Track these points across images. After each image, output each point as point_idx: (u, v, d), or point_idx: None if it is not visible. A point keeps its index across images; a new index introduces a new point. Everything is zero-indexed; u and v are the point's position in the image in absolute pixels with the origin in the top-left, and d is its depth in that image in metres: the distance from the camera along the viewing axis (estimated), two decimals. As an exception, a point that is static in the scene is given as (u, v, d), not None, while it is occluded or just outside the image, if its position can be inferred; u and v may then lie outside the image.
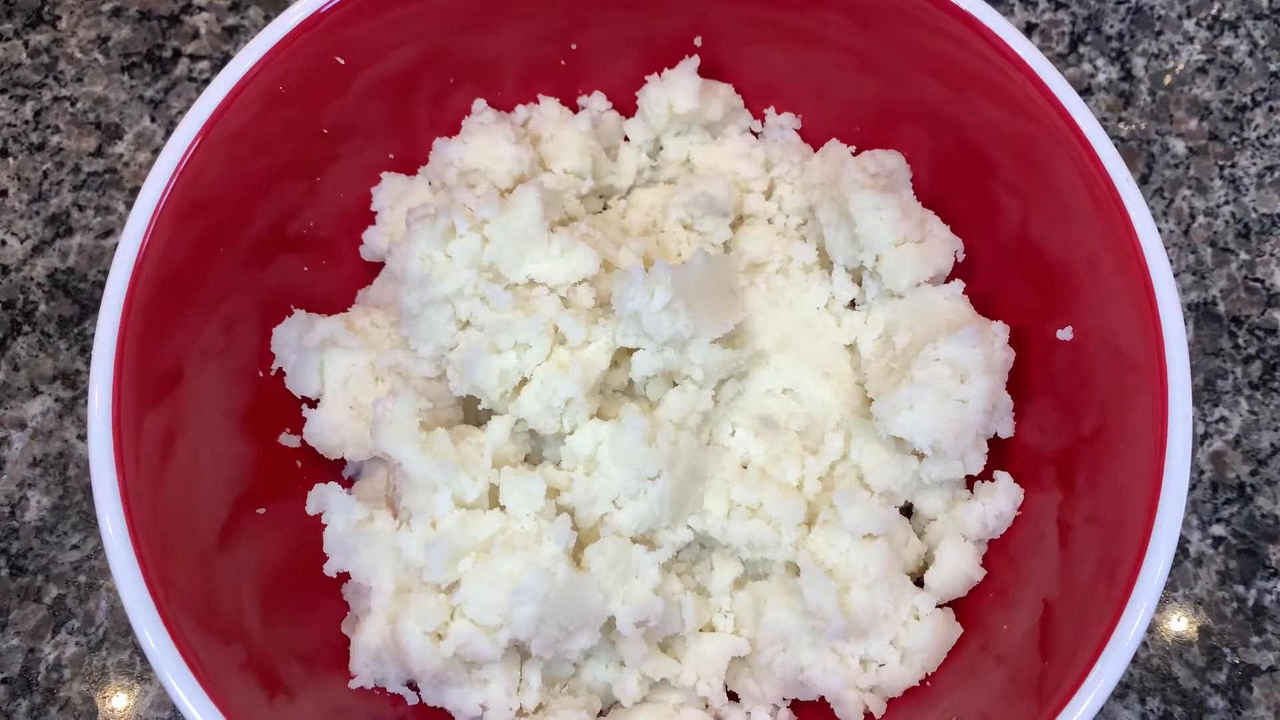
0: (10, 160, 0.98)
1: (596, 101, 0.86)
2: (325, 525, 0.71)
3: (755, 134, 0.87)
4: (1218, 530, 0.88)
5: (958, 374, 0.71)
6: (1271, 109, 0.98)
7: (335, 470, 0.80)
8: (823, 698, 0.72)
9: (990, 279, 0.79)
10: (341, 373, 0.77)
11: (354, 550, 0.70)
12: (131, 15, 1.01)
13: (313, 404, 0.78)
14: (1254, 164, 0.97)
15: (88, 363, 0.81)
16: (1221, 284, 0.93)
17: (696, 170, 0.85)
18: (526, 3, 0.79)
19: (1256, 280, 0.93)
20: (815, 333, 0.79)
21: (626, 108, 0.86)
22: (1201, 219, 0.95)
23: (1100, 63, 0.99)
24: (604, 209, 0.87)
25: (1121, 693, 0.84)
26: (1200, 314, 0.93)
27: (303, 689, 0.69)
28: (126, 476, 0.65)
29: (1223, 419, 0.90)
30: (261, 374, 0.78)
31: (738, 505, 0.72)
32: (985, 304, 0.78)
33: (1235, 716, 0.84)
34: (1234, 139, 0.97)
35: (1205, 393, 0.91)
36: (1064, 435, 0.73)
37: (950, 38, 0.73)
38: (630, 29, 0.82)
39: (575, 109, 0.86)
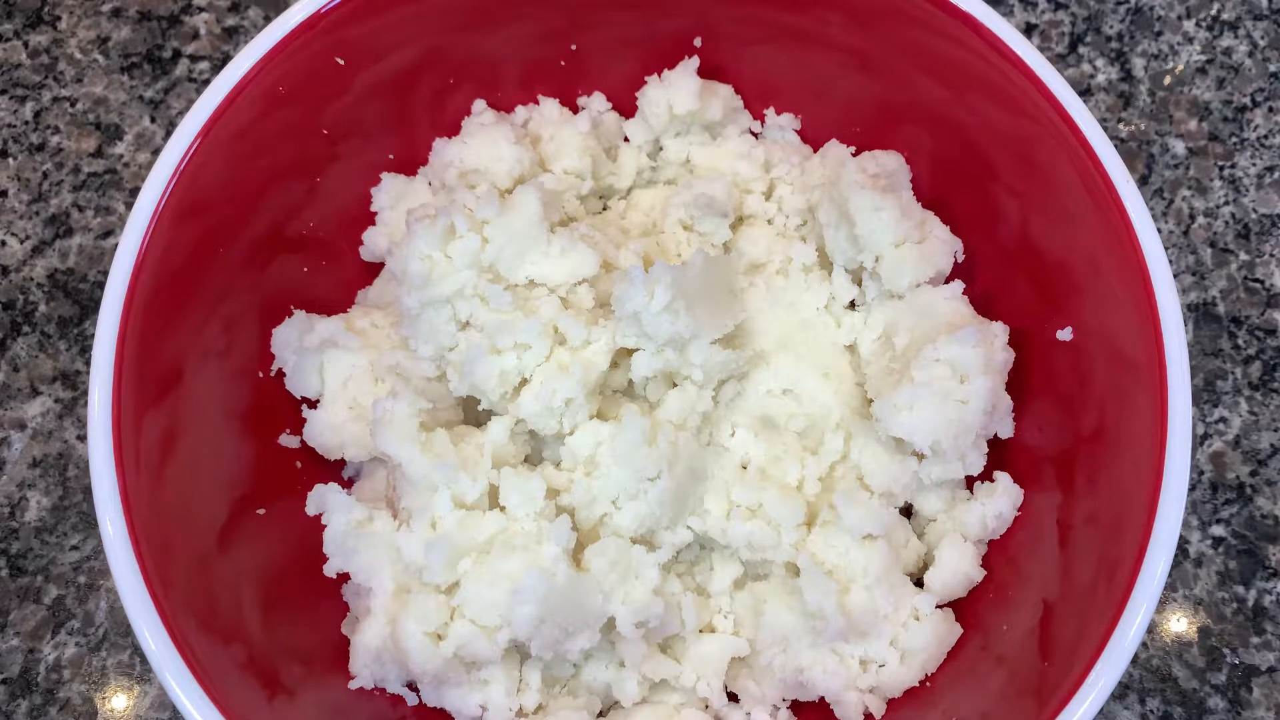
0: (10, 160, 0.98)
1: (596, 102, 0.86)
2: (325, 526, 0.71)
3: (755, 134, 0.87)
4: (1218, 531, 0.88)
5: (958, 374, 0.71)
6: (1271, 109, 0.98)
7: (335, 470, 0.80)
8: (823, 698, 0.72)
9: (990, 279, 0.79)
10: (341, 373, 0.77)
11: (354, 551, 0.70)
12: (131, 15, 1.02)
13: (313, 404, 0.78)
14: (1254, 164, 0.97)
15: (88, 363, 0.81)
16: (1221, 284, 0.93)
17: (696, 171, 0.85)
18: (526, 3, 0.79)
19: (1256, 281, 0.93)
20: (815, 333, 0.79)
21: (626, 108, 0.86)
22: (1201, 219, 0.95)
23: (1100, 63, 0.99)
24: (604, 209, 0.87)
25: (1121, 693, 0.84)
26: (1200, 314, 0.93)
27: (303, 689, 0.69)
28: (126, 477, 0.65)
29: (1223, 419, 0.90)
30: (261, 374, 0.78)
31: (738, 506, 0.72)
32: (985, 304, 0.78)
33: (1235, 717, 0.84)
34: (1234, 139, 0.97)
35: (1205, 393, 0.91)
36: (1064, 435, 0.73)
37: (950, 38, 0.73)
38: (630, 29, 0.82)
39: (575, 109, 0.86)
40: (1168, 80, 0.99)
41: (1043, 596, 0.70)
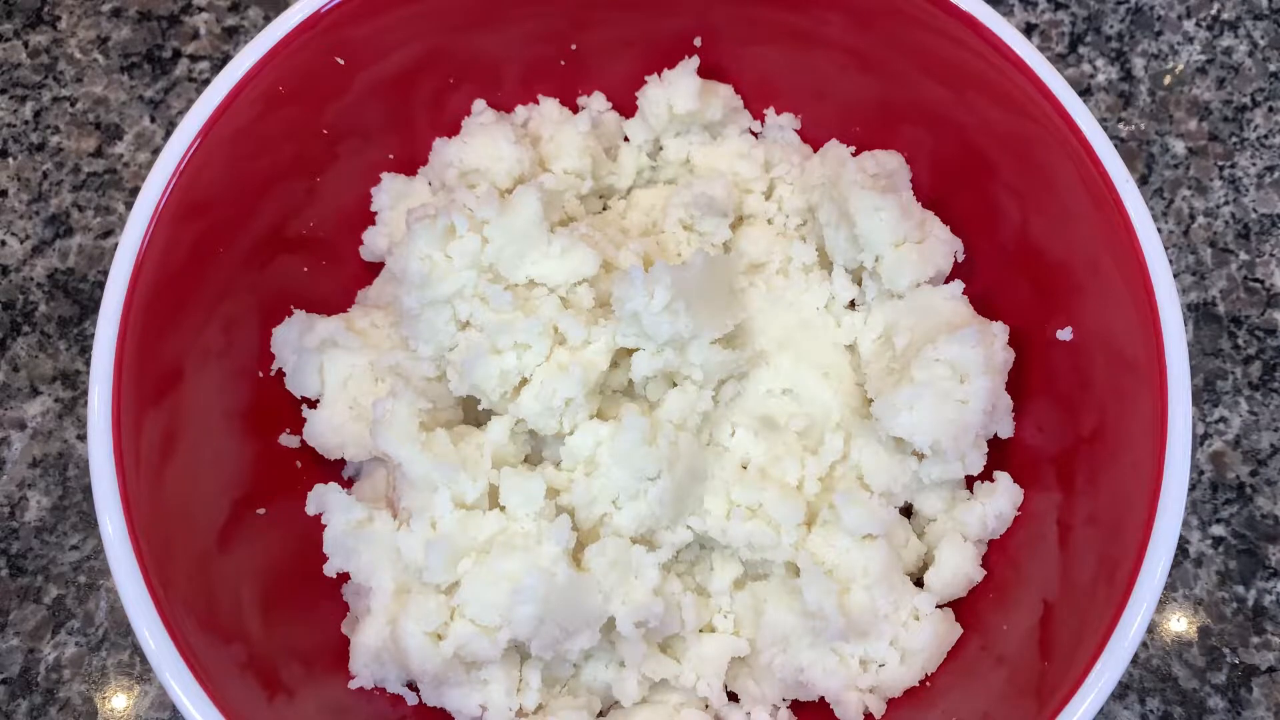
0: (10, 160, 0.98)
1: (596, 102, 0.86)
2: (325, 526, 0.71)
3: (755, 134, 0.87)
4: (1217, 530, 0.88)
5: (958, 374, 0.71)
6: (1271, 109, 0.98)
7: (335, 470, 0.80)
8: (823, 698, 0.72)
9: (990, 279, 0.79)
10: (341, 373, 0.77)
11: (354, 550, 0.70)
12: (131, 15, 1.01)
13: (313, 404, 0.78)
14: (1254, 164, 0.97)
15: (88, 363, 0.81)
16: (1221, 284, 0.93)
17: (696, 170, 0.85)
18: (526, 3, 0.79)
19: (1256, 280, 0.93)
20: (815, 333, 0.79)
21: (626, 108, 0.86)
22: (1201, 219, 0.95)
23: (1100, 63, 0.99)
24: (604, 209, 0.87)
25: (1121, 693, 0.84)
26: (1200, 314, 0.93)
27: (303, 689, 0.69)
28: (126, 476, 0.65)
29: (1223, 419, 0.90)
30: (261, 374, 0.78)
31: (738, 505, 0.72)
32: (985, 304, 0.78)
33: (1235, 716, 0.84)
34: (1234, 139, 0.97)
35: (1205, 393, 0.91)
36: (1064, 435, 0.73)
37: (950, 38, 0.73)
38: (630, 29, 0.82)
39: (575, 109, 0.86)
40: (1168, 80, 0.99)
41: (1043, 596, 0.70)
